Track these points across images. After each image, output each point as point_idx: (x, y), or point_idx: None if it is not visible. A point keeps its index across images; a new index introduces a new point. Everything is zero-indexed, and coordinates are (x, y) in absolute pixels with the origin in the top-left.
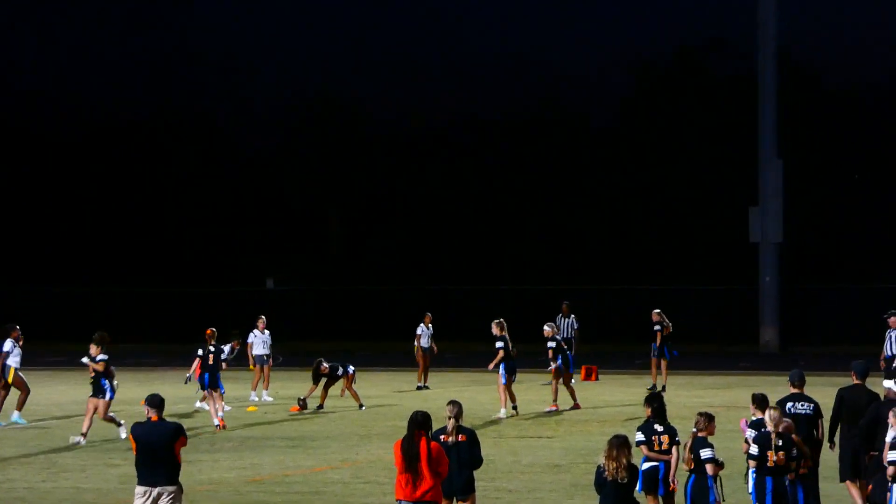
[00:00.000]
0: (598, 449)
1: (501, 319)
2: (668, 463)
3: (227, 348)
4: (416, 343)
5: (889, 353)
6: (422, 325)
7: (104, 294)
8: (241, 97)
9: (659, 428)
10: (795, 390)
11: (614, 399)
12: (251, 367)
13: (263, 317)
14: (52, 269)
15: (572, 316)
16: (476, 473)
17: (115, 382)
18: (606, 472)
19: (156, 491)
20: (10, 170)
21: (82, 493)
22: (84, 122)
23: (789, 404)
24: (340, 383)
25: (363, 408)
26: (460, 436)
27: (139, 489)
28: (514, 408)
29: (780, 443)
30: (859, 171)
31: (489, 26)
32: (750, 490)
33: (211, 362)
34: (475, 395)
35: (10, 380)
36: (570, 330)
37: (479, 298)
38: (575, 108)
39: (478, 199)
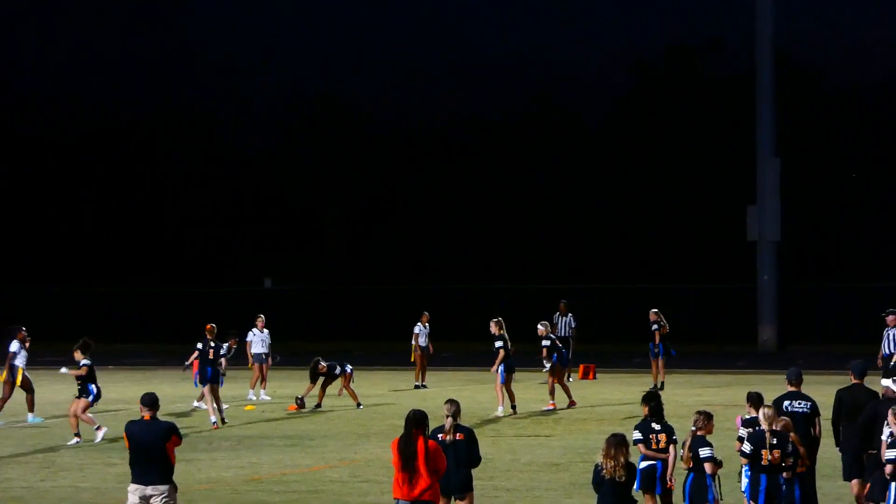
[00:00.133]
0: (596, 448)
1: (500, 318)
2: (665, 461)
3: (224, 347)
4: (413, 342)
5: (887, 351)
6: (419, 324)
7: (104, 294)
8: (241, 97)
9: (656, 426)
10: (792, 388)
11: (612, 398)
12: (250, 365)
13: (262, 316)
14: (52, 269)
15: (570, 315)
16: (474, 472)
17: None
18: (604, 471)
19: (148, 489)
20: (10, 170)
21: (80, 493)
22: (84, 122)
23: (786, 402)
24: (338, 382)
25: (361, 407)
26: (458, 434)
27: (131, 487)
28: (513, 407)
29: (775, 441)
30: (857, 171)
31: (489, 26)
32: (743, 488)
33: (211, 357)
34: (473, 394)
35: (18, 381)
36: (567, 328)
37: (478, 298)
38: (574, 107)
39: (477, 198)
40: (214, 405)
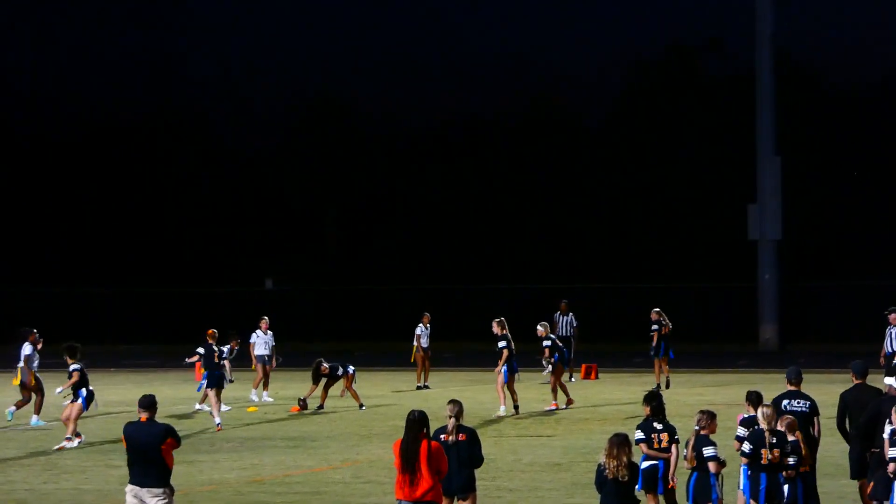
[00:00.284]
0: (598, 447)
1: (502, 318)
2: (667, 461)
3: (225, 349)
4: (415, 343)
5: (889, 349)
6: (421, 325)
7: (104, 294)
8: (240, 97)
9: (658, 426)
10: (792, 387)
11: (614, 397)
12: (253, 366)
13: (266, 317)
14: (53, 270)
15: (570, 314)
16: (476, 472)
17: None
18: (607, 471)
19: (144, 491)
20: (11, 170)
21: (83, 495)
22: (84, 122)
23: (785, 402)
24: (340, 383)
25: (363, 408)
26: (460, 435)
27: (128, 488)
28: (516, 407)
29: (774, 440)
30: (858, 169)
31: (489, 26)
32: (740, 486)
33: (216, 360)
34: (475, 394)
35: (30, 381)
36: (568, 328)
37: (478, 298)
38: (573, 107)
39: (477, 198)
40: (217, 407)
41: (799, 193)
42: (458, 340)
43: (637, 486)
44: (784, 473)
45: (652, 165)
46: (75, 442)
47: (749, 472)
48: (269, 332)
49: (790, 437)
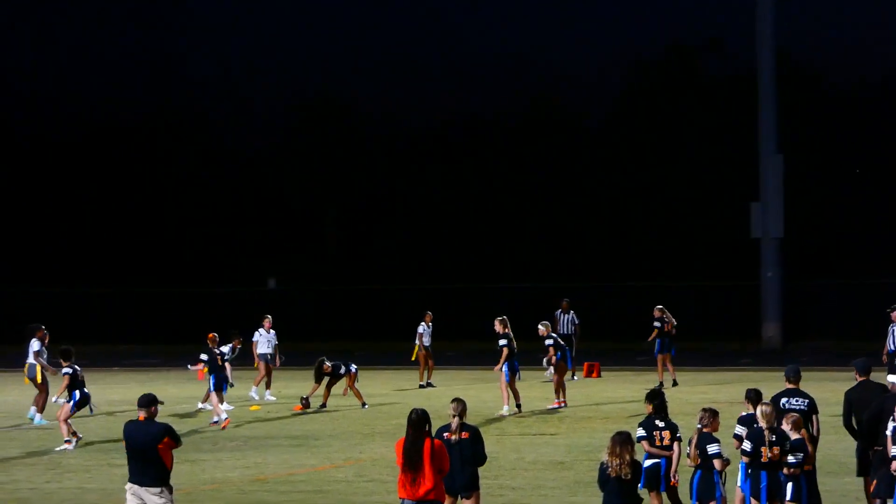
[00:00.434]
0: (601, 446)
1: (504, 317)
2: (669, 459)
3: (227, 348)
4: (417, 342)
5: (892, 347)
6: (423, 323)
7: (104, 294)
8: (240, 97)
9: (660, 424)
10: (790, 385)
11: (616, 396)
12: (255, 364)
13: (269, 316)
14: (53, 270)
15: (572, 312)
16: (480, 471)
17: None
18: (610, 469)
19: (143, 490)
20: (11, 170)
21: (86, 494)
22: (84, 123)
23: (783, 400)
24: (343, 382)
25: (366, 406)
26: (463, 433)
27: (128, 486)
28: (518, 406)
29: (774, 438)
30: (860, 167)
31: (489, 26)
32: (739, 483)
33: (220, 363)
34: (478, 392)
35: (38, 378)
36: (570, 326)
37: (479, 297)
38: (574, 107)
39: (477, 198)
40: (219, 407)
41: (800, 192)
42: (458, 340)
43: (640, 485)
44: (786, 471)
45: (652, 165)
46: (74, 442)
47: (749, 471)
48: (271, 331)
49: (795, 435)
